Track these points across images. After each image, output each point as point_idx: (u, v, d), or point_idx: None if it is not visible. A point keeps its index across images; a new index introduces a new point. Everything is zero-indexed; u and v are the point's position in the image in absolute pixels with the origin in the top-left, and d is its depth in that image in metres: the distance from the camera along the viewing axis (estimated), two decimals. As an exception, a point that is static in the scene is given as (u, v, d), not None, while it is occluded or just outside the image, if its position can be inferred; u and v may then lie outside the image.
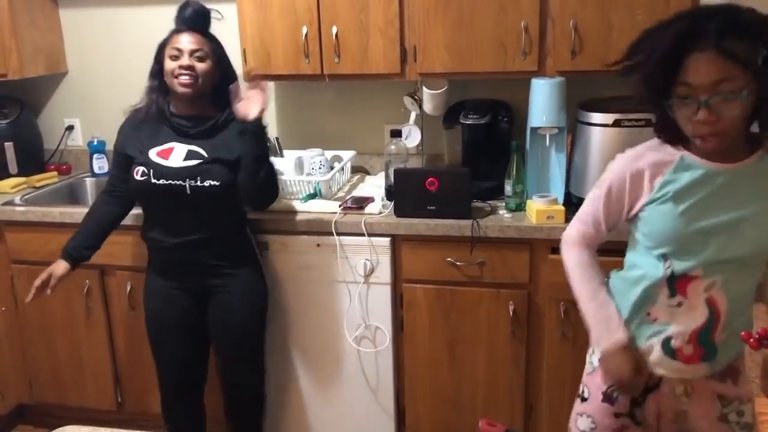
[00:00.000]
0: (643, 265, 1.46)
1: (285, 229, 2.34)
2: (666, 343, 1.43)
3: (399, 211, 2.28)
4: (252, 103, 2.01)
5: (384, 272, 2.30)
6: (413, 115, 2.58)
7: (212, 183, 2.03)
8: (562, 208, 2.18)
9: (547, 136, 2.28)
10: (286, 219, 2.34)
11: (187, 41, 2.06)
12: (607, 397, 1.54)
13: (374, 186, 2.62)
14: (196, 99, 2.10)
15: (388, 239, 2.27)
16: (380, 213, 2.32)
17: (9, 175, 2.88)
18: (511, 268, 2.22)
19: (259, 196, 2.13)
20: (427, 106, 2.50)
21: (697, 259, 1.37)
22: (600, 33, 2.20)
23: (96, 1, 2.92)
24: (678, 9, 2.10)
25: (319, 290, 2.37)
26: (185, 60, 2.05)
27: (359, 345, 2.39)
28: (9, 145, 2.89)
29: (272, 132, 2.78)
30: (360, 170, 2.83)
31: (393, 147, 2.41)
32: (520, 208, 2.29)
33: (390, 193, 2.38)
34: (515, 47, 2.27)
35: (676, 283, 1.40)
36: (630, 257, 1.53)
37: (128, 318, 2.55)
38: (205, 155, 2.07)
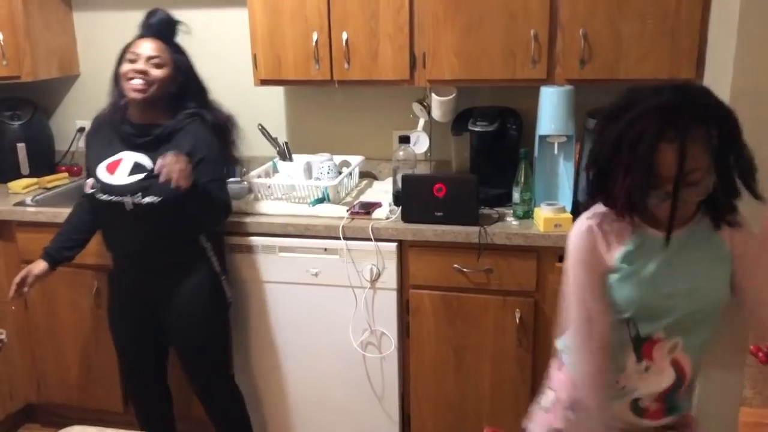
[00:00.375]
0: None
1: (292, 232, 2.34)
2: (635, 404, 1.44)
3: (406, 217, 2.29)
4: (173, 174, 1.90)
5: (390, 278, 2.31)
6: (422, 122, 2.59)
7: (152, 200, 2.03)
8: (570, 216, 2.18)
9: (556, 144, 2.28)
10: (293, 223, 2.35)
11: (146, 47, 2.08)
12: None
13: (382, 191, 2.62)
14: (149, 106, 2.09)
15: (395, 245, 2.28)
16: (387, 218, 2.32)
17: (20, 176, 2.91)
18: (518, 276, 2.22)
19: (202, 222, 2.16)
20: (436, 113, 2.51)
21: (660, 322, 1.37)
22: (610, 42, 2.20)
23: (109, 4, 2.95)
24: (687, 17, 2.14)
25: (325, 294, 2.38)
26: (140, 64, 2.05)
27: (364, 350, 2.39)
28: (21, 146, 2.92)
29: (281, 137, 2.79)
30: (368, 176, 2.84)
31: (401, 153, 2.42)
32: (527, 215, 2.29)
33: (397, 198, 2.38)
34: (524, 55, 2.27)
35: (642, 349, 1.40)
36: None
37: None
38: (150, 168, 2.05)
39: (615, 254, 1.37)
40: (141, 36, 2.12)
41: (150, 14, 2.13)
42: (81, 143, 3.12)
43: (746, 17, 1.82)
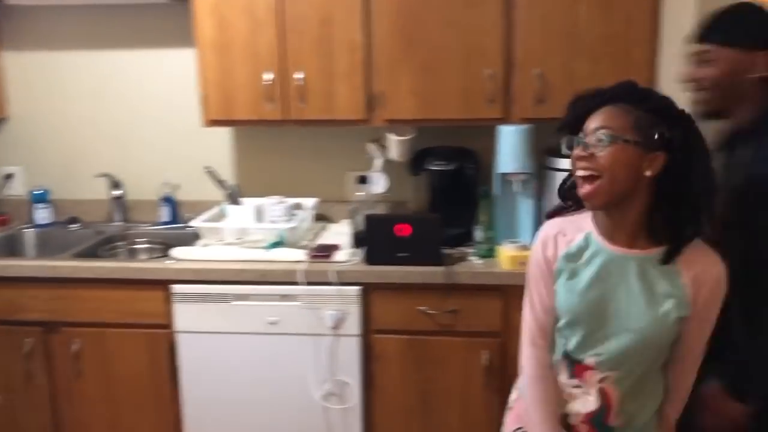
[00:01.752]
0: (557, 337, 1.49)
1: (249, 278, 2.22)
2: (564, 419, 1.44)
3: (370, 259, 2.21)
4: None
5: (353, 323, 2.21)
6: (379, 162, 2.55)
7: None
8: (534, 253, 2.17)
9: (515, 182, 2.29)
10: (249, 269, 2.23)
11: None
12: None
13: (338, 234, 2.54)
14: None
15: (359, 288, 2.19)
16: (348, 261, 2.24)
17: (-61, 227, 2.66)
18: (484, 316, 2.18)
19: None
20: (393, 153, 2.48)
21: (592, 349, 1.38)
22: (564, 81, 2.24)
23: (40, 44, 2.78)
24: (639, 59, 2.21)
25: (283, 344, 2.25)
26: None
27: (326, 402, 2.27)
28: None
29: (231, 179, 2.68)
30: (321, 218, 2.76)
31: (360, 193, 2.36)
32: (490, 254, 2.26)
33: (358, 240, 2.31)
34: (481, 95, 2.29)
35: (575, 368, 1.42)
36: None
37: (74, 382, 2.34)
38: None
39: (560, 253, 1.41)
40: None
41: None
42: (7, 191, 2.89)
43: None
